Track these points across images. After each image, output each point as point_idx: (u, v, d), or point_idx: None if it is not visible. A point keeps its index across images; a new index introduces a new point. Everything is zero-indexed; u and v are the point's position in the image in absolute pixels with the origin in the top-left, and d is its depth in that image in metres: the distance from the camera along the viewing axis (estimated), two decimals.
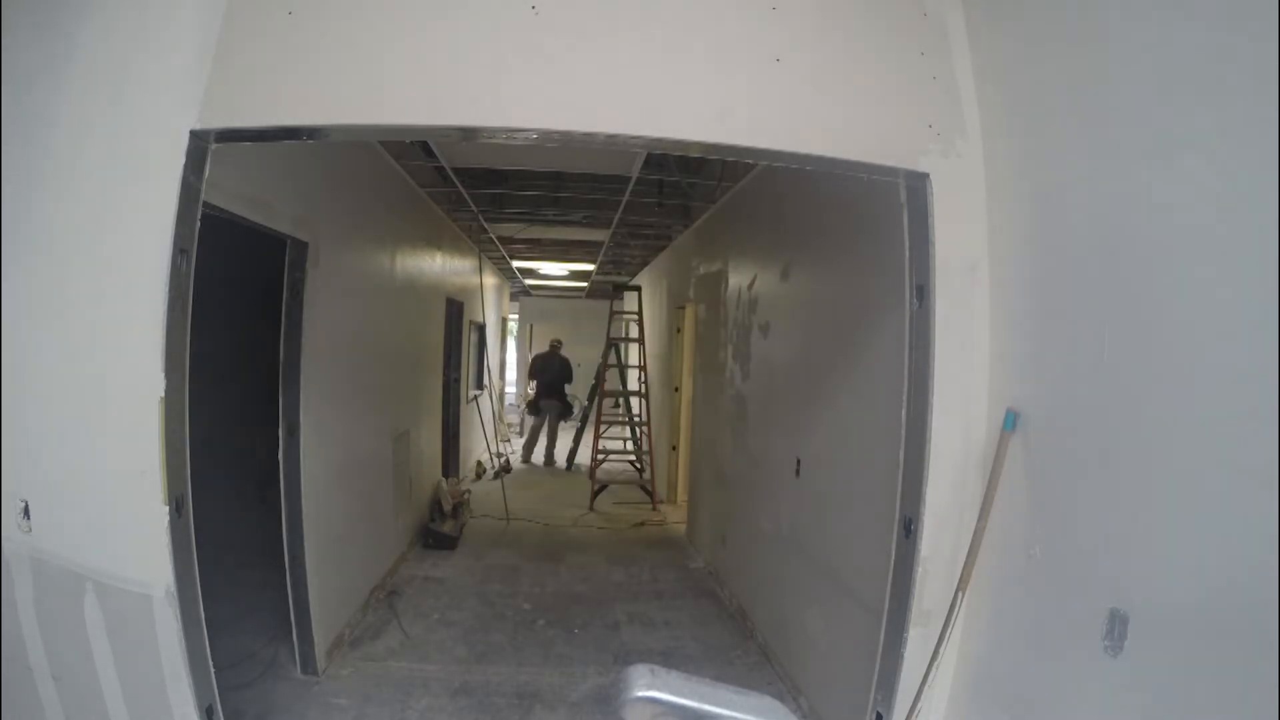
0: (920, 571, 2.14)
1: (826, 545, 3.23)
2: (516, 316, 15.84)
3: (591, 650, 3.97)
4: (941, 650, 2.08)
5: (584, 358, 13.35)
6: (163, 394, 1.92)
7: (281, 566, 3.26)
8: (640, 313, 8.45)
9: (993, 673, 2.04)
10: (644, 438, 8.25)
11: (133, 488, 1.93)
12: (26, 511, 1.99)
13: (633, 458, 8.59)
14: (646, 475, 8.10)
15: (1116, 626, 1.55)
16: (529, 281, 13.00)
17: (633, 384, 8.70)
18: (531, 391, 10.49)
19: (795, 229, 3.84)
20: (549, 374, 10.02)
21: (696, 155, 4.03)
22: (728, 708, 0.66)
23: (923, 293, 2.17)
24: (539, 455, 10.09)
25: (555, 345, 10.40)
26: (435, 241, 6.22)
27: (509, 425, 12.72)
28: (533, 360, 11.05)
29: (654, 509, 7.47)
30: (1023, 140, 2.04)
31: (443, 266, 6.55)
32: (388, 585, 4.71)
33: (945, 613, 2.09)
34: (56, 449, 2.01)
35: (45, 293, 2.00)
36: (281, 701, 3.17)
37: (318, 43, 2.02)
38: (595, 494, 7.51)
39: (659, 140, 2.14)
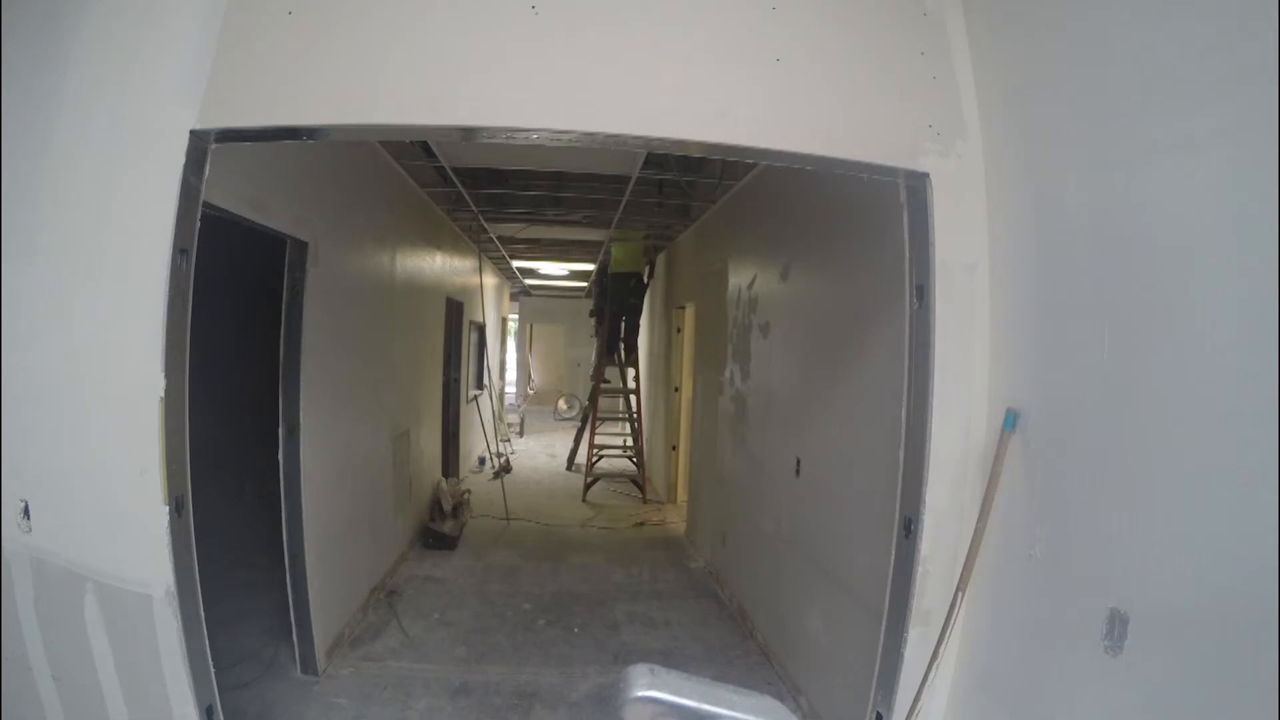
0: (920, 571, 2.14)
1: (826, 545, 3.23)
2: (516, 316, 15.84)
3: (591, 650, 3.97)
4: (941, 650, 2.08)
5: (583, 358, 13.39)
6: (163, 394, 1.92)
7: (281, 566, 3.27)
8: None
9: (993, 672, 2.04)
10: (638, 434, 8.41)
11: (133, 488, 1.93)
12: (26, 511, 1.99)
13: (631, 453, 8.65)
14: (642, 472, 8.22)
15: (1116, 626, 1.55)
16: (529, 281, 13.00)
17: (631, 383, 8.73)
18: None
19: (795, 228, 3.84)
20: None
21: (697, 155, 4.03)
22: (728, 708, 0.66)
23: (923, 293, 2.17)
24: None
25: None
26: (435, 241, 6.22)
27: (509, 425, 12.74)
28: None
29: (643, 501, 7.78)
30: (1023, 140, 2.04)
31: (443, 266, 6.55)
32: (388, 585, 4.71)
33: (945, 613, 2.09)
34: (56, 449, 2.01)
35: (45, 293, 2.00)
36: (281, 701, 3.17)
37: (317, 43, 2.02)
38: (588, 486, 8.00)
39: (659, 140, 2.14)
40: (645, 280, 8.42)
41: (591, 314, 9.14)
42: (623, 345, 8.32)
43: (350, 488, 4.03)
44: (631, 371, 8.55)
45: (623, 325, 8.28)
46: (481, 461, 9.10)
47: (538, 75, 2.03)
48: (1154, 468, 1.53)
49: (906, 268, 2.24)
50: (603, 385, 8.44)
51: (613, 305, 8.17)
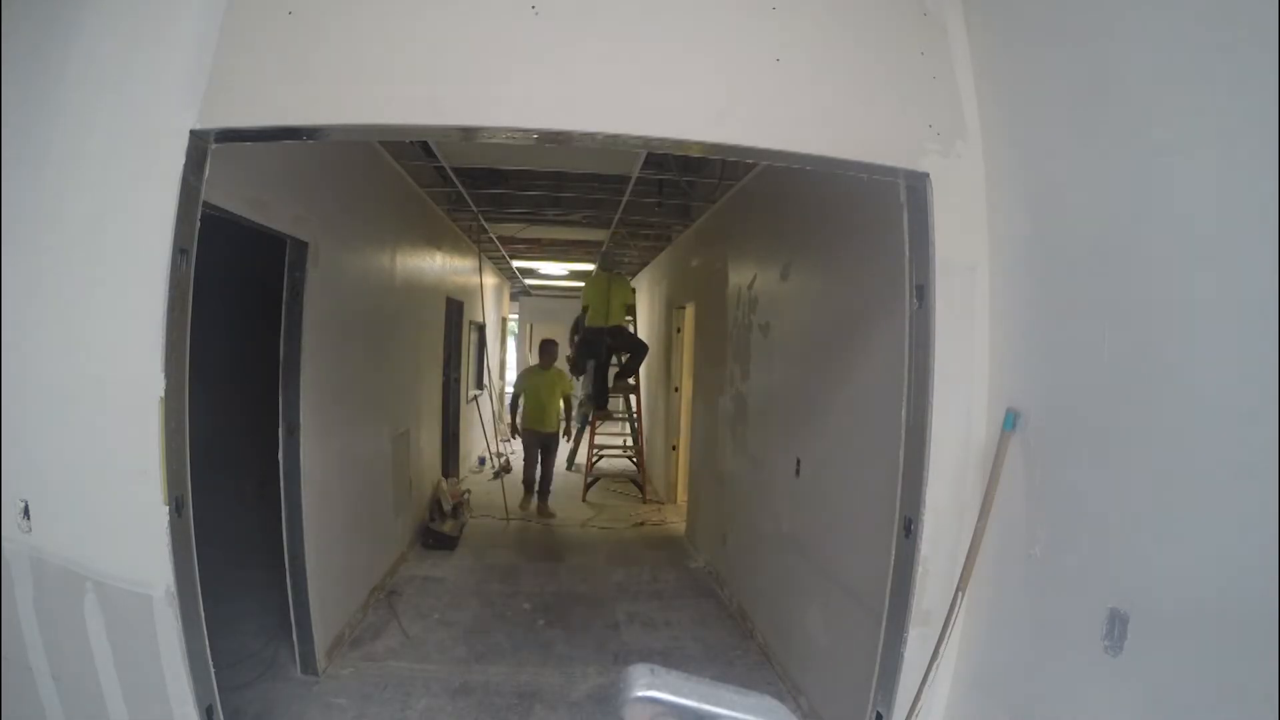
0: (920, 571, 2.15)
1: (826, 545, 3.23)
2: (516, 316, 15.84)
3: (591, 650, 3.97)
4: (941, 650, 2.08)
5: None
6: (162, 394, 1.92)
7: (281, 566, 3.26)
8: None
9: (993, 673, 2.04)
10: (638, 434, 8.41)
11: (133, 488, 1.93)
12: (26, 511, 1.99)
13: (632, 453, 8.65)
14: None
15: (1116, 626, 1.55)
16: (529, 281, 13.01)
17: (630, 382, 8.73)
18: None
19: (795, 228, 3.84)
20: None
21: (697, 155, 4.03)
22: (728, 708, 0.66)
23: (923, 293, 2.17)
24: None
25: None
26: (435, 241, 6.22)
27: (509, 425, 12.71)
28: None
29: (643, 501, 7.78)
30: (1023, 140, 2.04)
31: (443, 266, 6.55)
32: (388, 585, 4.71)
33: (945, 613, 2.09)
34: (56, 449, 2.01)
35: (45, 292, 2.00)
36: (281, 701, 3.17)
37: (317, 43, 2.02)
38: (587, 486, 7.97)
39: (659, 140, 2.14)
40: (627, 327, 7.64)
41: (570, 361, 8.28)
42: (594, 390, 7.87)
43: (350, 488, 4.03)
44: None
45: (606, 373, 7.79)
46: (481, 461, 9.11)
47: (537, 75, 2.03)
48: (1154, 467, 1.53)
49: (906, 268, 2.24)
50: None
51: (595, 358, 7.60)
